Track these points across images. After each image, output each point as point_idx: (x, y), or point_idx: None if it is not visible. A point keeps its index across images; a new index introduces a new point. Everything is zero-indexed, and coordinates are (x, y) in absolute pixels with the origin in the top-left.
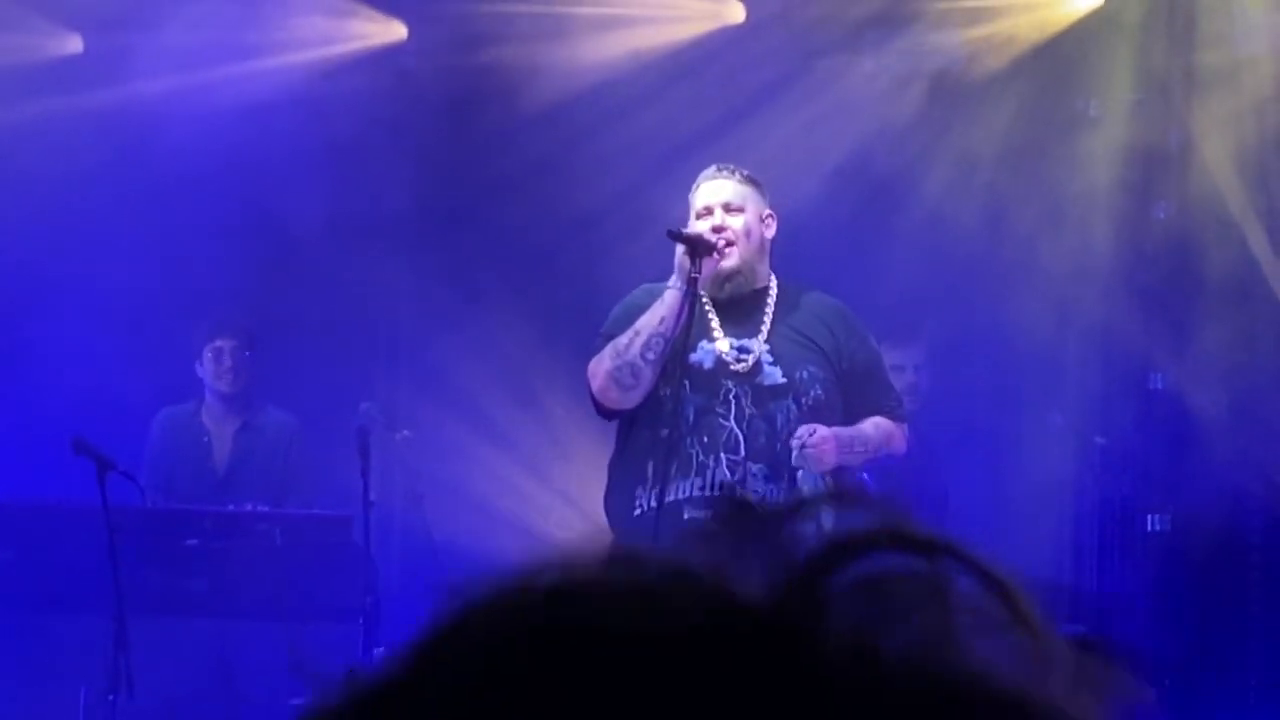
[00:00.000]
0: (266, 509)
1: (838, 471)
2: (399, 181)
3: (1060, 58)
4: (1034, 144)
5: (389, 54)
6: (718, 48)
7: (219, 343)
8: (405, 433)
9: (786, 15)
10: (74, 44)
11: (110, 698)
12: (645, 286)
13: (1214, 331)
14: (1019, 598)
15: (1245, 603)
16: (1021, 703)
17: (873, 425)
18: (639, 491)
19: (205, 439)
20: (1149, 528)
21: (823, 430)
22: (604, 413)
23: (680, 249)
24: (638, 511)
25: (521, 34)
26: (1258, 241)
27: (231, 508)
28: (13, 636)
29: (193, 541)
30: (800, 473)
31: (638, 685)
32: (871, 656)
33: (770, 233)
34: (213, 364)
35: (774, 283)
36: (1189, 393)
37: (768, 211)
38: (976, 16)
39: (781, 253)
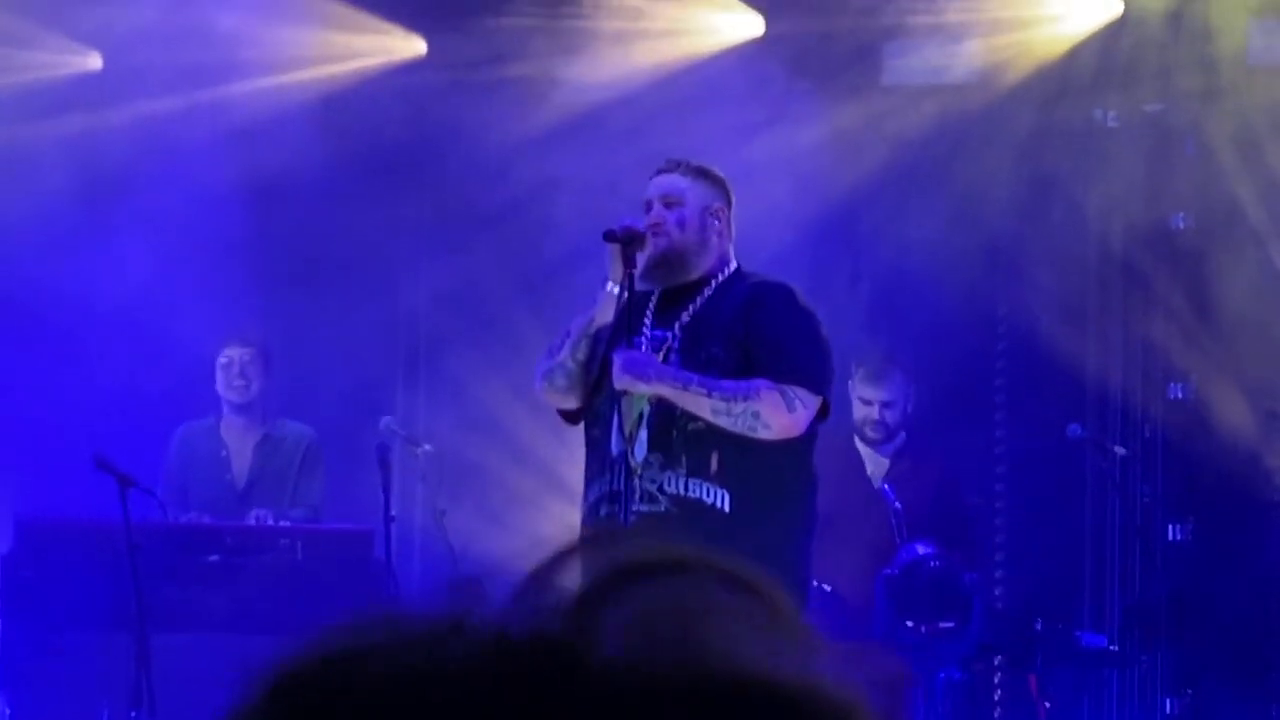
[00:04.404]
0: (288, 524)
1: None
2: (418, 196)
3: (1079, 69)
4: (1053, 154)
5: (409, 68)
6: (736, 62)
7: (228, 353)
8: (426, 447)
9: (804, 29)
10: (93, 61)
11: (132, 714)
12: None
13: (1233, 341)
14: (777, 600)
15: (1266, 614)
16: (784, 691)
17: (734, 381)
18: (584, 497)
19: (224, 453)
20: (1170, 538)
21: (626, 352)
22: (561, 416)
23: (611, 247)
24: (582, 516)
25: (540, 50)
26: (1276, 251)
27: (253, 523)
28: (35, 654)
29: (214, 557)
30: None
31: None
32: (644, 669)
33: (719, 224)
34: (223, 375)
35: (725, 274)
36: (1209, 403)
37: (717, 204)
38: (995, 28)
39: (795, 259)
